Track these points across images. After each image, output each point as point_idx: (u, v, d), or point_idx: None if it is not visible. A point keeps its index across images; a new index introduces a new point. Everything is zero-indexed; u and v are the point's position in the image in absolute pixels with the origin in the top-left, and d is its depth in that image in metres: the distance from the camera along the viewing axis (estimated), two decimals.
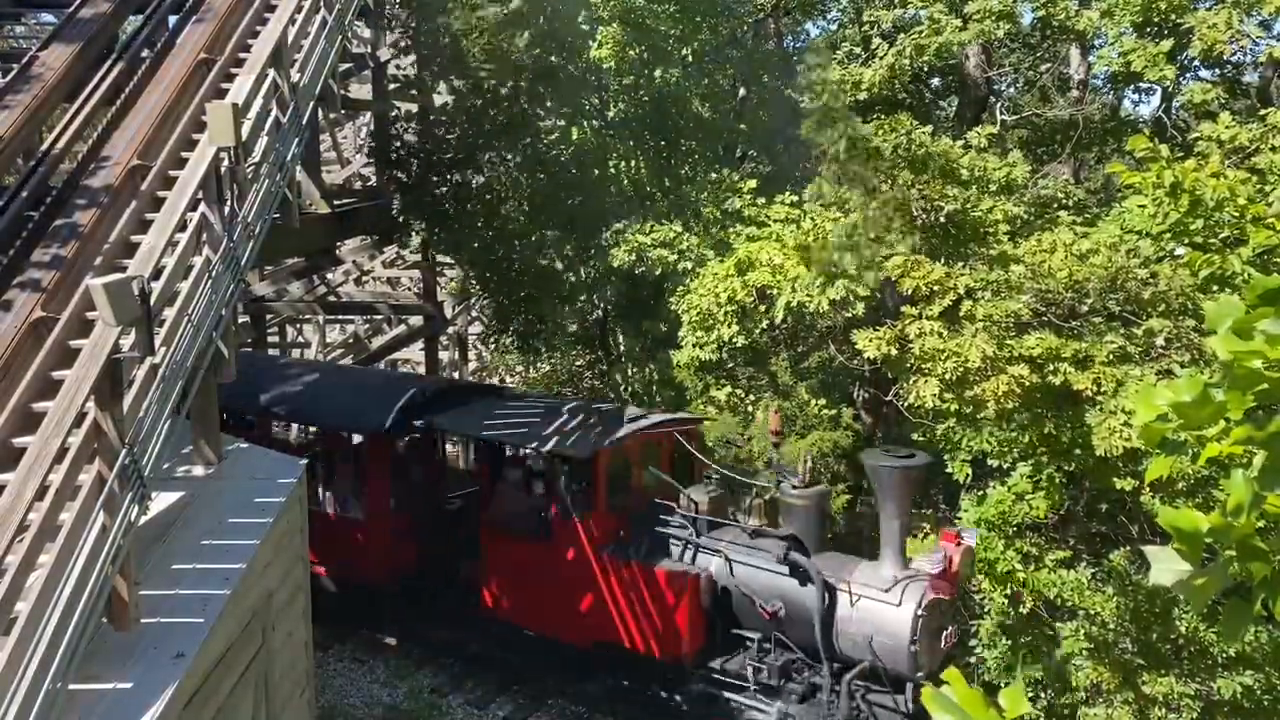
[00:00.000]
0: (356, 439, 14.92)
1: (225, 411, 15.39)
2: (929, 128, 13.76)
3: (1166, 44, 15.00)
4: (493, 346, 20.93)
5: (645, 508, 12.93)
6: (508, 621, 13.53)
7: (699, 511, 12.50)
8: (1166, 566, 2.87)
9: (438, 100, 18.44)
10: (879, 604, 11.14)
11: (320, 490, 14.77)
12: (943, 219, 12.81)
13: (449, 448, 15.55)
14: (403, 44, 17.71)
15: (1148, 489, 11.53)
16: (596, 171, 18.55)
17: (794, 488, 11.83)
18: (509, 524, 13.29)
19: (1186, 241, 12.12)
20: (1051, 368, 11.75)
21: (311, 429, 15.63)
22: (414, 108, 18.62)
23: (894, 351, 12.50)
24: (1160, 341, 12.05)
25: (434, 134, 18.09)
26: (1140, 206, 12.52)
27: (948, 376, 11.83)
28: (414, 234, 18.49)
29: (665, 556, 12.48)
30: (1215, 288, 11.50)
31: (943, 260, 12.64)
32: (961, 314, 12.17)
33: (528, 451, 13.17)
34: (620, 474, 13.07)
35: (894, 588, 11.10)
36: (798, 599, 11.52)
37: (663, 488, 12.85)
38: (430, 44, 17.12)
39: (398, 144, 17.94)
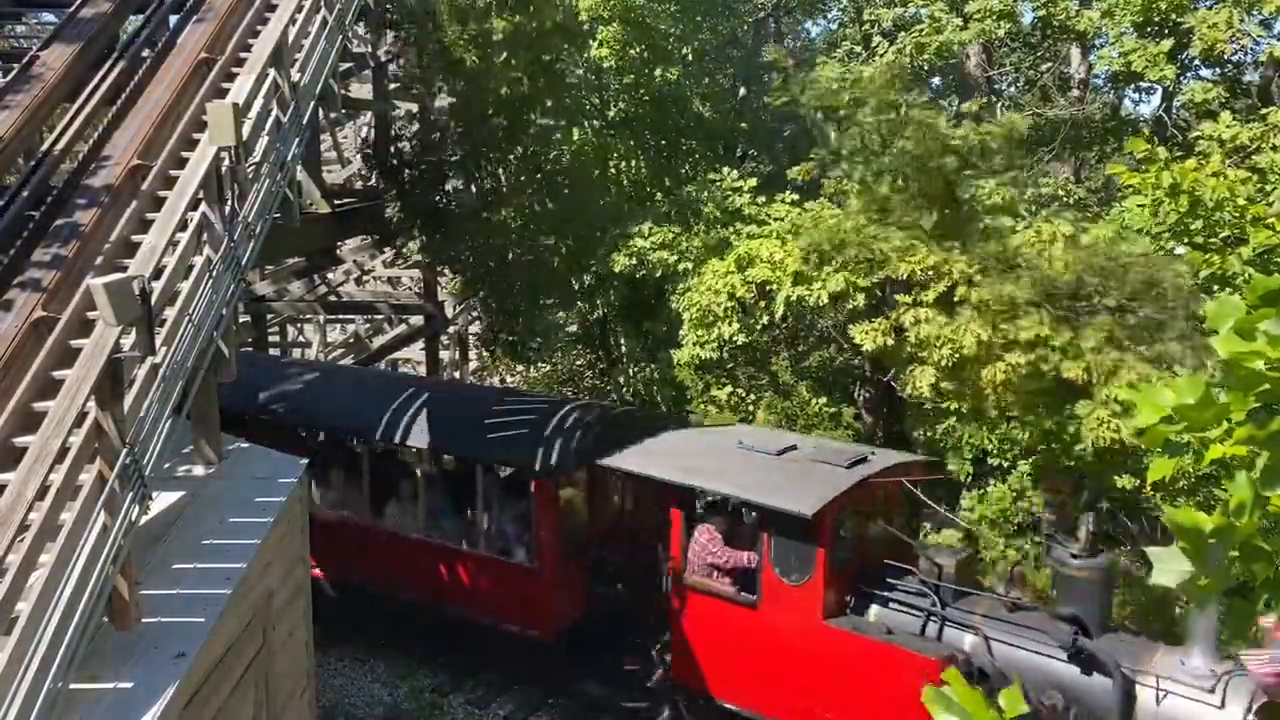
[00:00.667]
0: (505, 471, 13.39)
1: (349, 435, 13.86)
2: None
3: (1167, 43, 15.00)
4: (492, 349, 20.89)
5: (876, 570, 11.05)
6: (703, 694, 11.96)
7: (941, 577, 10.61)
8: (1169, 566, 2.87)
9: (437, 103, 18.40)
10: (1195, 704, 9.17)
11: (468, 528, 13.63)
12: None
13: (623, 487, 13.80)
14: (398, 46, 17.67)
15: (1149, 488, 11.52)
16: (596, 172, 18.51)
17: (1073, 556, 9.76)
18: (710, 584, 11.64)
19: (1186, 241, 12.13)
20: (1042, 353, 11.54)
21: (450, 460, 13.92)
22: (414, 108, 18.59)
23: (889, 341, 12.41)
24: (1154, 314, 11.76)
25: (431, 138, 18.03)
26: (1140, 206, 12.54)
27: (943, 364, 11.69)
28: (412, 239, 18.42)
29: (905, 630, 10.61)
30: (1215, 288, 11.51)
31: (938, 234, 12.41)
32: (957, 299, 12.02)
33: (736, 501, 11.42)
34: (846, 531, 11.35)
35: (1216, 685, 9.10)
36: (1082, 691, 9.62)
37: (895, 546, 11.11)
38: (423, 48, 17.07)
39: (393, 148, 17.87)
